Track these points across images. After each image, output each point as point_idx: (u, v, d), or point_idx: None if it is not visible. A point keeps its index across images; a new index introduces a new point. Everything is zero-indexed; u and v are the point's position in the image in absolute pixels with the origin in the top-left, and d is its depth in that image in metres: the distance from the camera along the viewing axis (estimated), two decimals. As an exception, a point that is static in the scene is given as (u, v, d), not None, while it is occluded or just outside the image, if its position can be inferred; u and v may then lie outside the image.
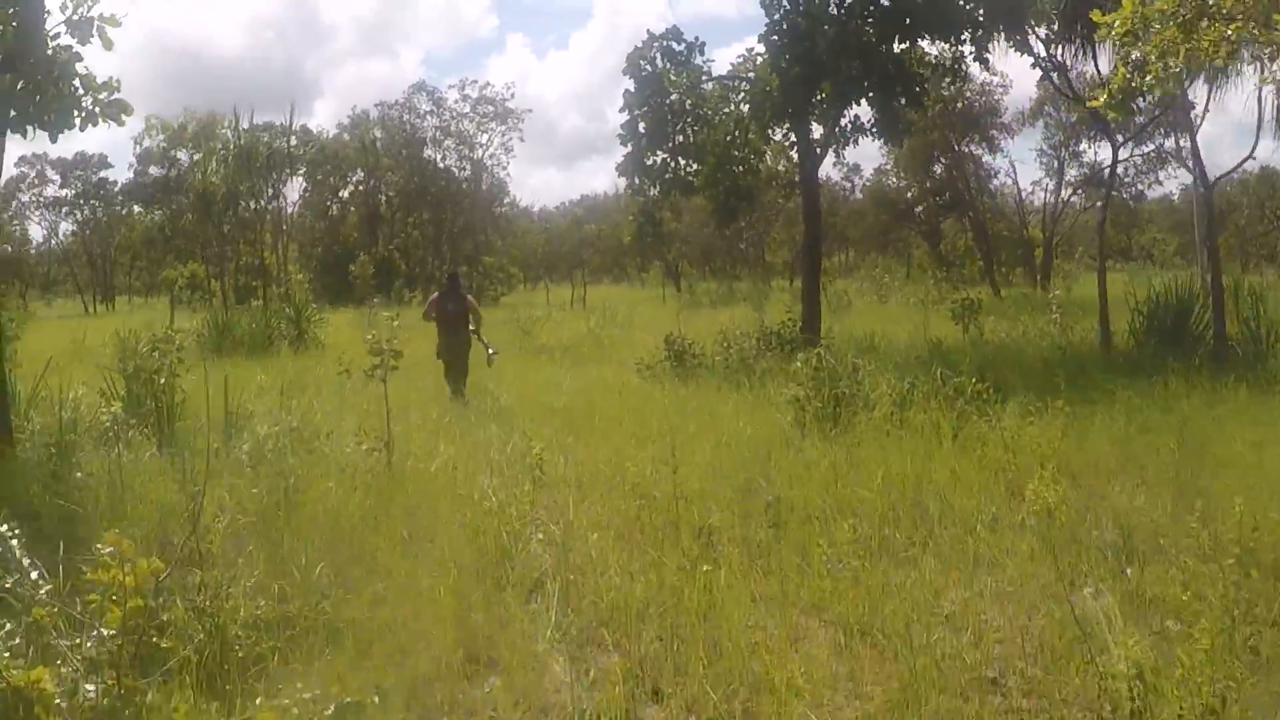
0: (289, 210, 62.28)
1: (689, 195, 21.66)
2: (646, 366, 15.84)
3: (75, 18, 8.33)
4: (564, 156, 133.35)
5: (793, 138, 20.94)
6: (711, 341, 17.37)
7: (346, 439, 9.45)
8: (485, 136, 63.50)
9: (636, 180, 20.28)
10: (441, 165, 63.63)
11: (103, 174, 68.21)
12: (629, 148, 20.09)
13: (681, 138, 20.43)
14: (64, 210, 68.61)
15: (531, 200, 79.62)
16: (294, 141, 55.80)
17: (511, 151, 65.51)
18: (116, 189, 66.36)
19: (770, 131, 21.21)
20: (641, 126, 20.02)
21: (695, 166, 20.57)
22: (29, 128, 8.61)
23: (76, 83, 8.51)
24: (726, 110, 21.34)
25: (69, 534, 6.12)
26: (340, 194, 64.90)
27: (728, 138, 20.98)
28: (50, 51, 8.35)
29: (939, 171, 51.32)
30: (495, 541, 6.68)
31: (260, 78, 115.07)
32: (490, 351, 14.10)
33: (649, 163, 20.17)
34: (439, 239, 64.11)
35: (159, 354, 10.95)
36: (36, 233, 74.54)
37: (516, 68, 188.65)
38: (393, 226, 65.53)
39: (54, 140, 9.00)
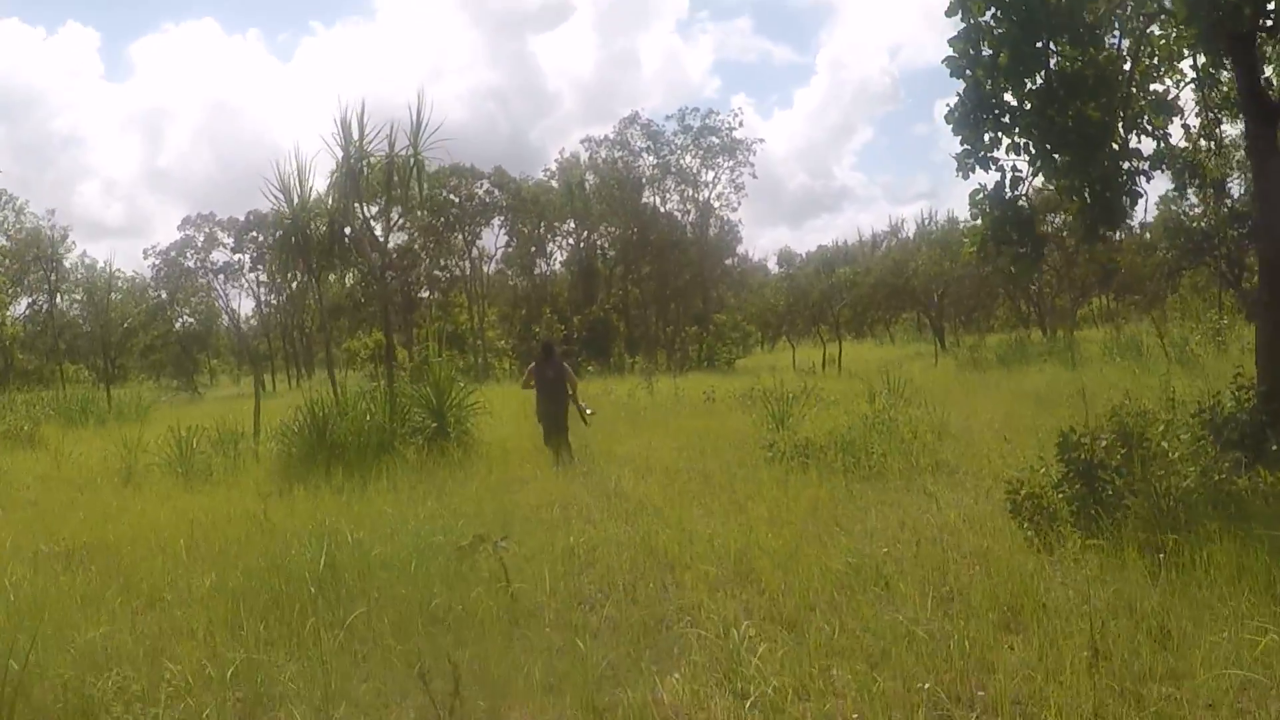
0: (487, 269, 55.07)
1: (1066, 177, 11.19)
2: (1027, 497, 7.85)
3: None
4: (793, 215, 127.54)
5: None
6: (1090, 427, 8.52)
7: None
8: (711, 174, 54.51)
9: (984, 139, 10.10)
10: (663, 209, 55.01)
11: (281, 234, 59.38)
12: (963, 80, 10.07)
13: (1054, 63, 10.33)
14: (233, 275, 61.85)
15: (763, 255, 69.43)
16: (485, 186, 48.58)
17: (743, 190, 55.78)
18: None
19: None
20: (985, 46, 9.99)
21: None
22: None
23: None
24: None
25: None
26: (547, 247, 57.01)
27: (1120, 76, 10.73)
28: None
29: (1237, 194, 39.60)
30: None
31: (484, 147, 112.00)
32: (588, 412, 14.86)
33: (1009, 106, 10.07)
34: (663, 295, 55.31)
35: None
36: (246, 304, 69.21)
37: (742, 128, 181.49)
38: (610, 283, 57.28)
39: None
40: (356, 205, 18.78)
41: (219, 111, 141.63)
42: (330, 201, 19.32)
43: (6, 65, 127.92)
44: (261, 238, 57.48)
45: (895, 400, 18.33)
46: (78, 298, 73.54)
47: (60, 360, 63.50)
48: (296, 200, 19.20)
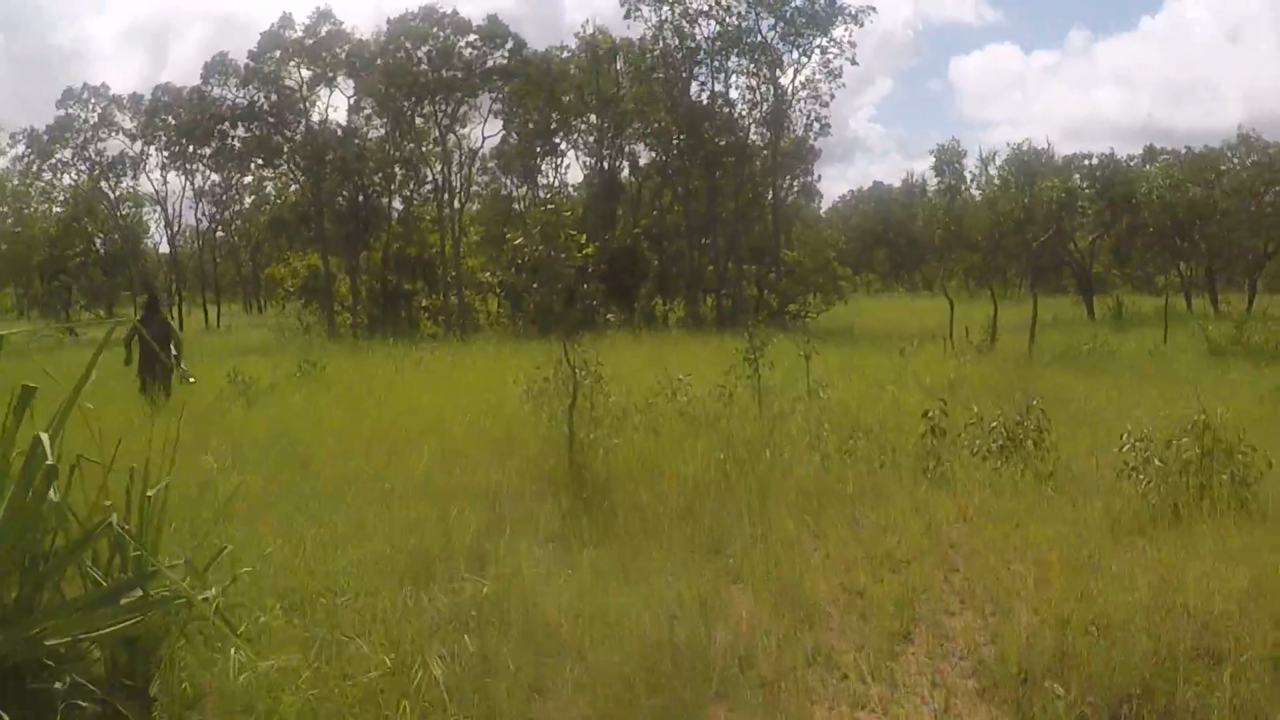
0: (477, 174, 39.92)
1: None
2: None
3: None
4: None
5: None
6: None
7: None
8: (795, 53, 38.79)
9: None
10: (721, 99, 39.46)
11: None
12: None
13: None
14: (129, 170, 45.72)
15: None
16: (472, 42, 33.64)
17: (838, 79, 39.96)
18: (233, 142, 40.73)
19: None
20: None
21: None
22: None
23: None
24: None
25: None
26: (559, 145, 41.39)
27: None
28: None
29: None
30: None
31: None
32: (190, 380, 14.30)
33: None
34: (711, 222, 39.71)
35: None
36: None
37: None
38: (638, 203, 42.09)
39: None
40: None
41: (224, 26, 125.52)
42: None
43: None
44: (175, 121, 42.10)
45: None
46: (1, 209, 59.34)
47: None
48: None
